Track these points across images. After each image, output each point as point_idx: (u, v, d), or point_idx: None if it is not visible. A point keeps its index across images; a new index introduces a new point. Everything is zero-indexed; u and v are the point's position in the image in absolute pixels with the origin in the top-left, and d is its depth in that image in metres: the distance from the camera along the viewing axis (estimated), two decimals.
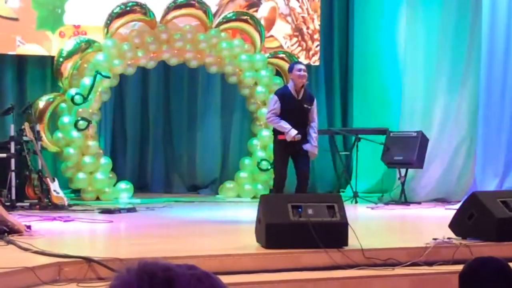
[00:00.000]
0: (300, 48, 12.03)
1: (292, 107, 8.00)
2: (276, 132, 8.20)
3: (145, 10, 10.50)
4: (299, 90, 8.09)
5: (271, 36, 11.84)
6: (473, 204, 6.65)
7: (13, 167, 9.11)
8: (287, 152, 8.07)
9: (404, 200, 10.28)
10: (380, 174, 11.56)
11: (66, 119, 10.24)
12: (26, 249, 5.64)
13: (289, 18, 11.97)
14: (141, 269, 1.40)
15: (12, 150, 9.19)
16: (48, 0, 10.61)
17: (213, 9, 11.19)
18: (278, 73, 11.46)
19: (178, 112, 11.95)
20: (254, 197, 10.67)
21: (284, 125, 7.96)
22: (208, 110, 11.98)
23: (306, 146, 8.08)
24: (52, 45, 10.57)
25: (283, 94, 8.16)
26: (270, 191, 10.13)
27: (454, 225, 6.68)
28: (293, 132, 7.91)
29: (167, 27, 10.67)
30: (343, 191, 11.40)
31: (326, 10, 12.43)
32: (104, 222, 7.92)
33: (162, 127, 11.94)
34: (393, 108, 11.39)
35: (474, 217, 6.54)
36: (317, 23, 12.19)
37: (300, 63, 9.03)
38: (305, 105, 8.10)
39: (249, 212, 7.74)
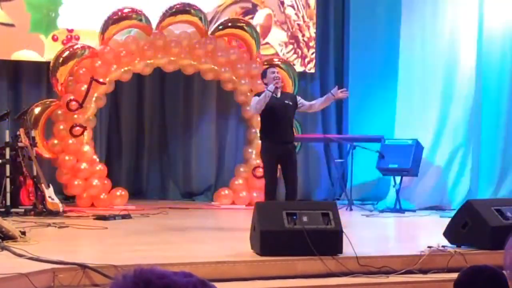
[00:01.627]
0: (295, 55, 12.04)
1: (274, 103, 7.92)
2: (263, 139, 8.17)
3: (141, 17, 10.50)
4: (276, 91, 8.05)
5: (267, 43, 11.85)
6: (467, 212, 6.66)
7: (8, 173, 9.10)
8: (275, 158, 8.04)
9: (399, 207, 10.27)
10: (375, 182, 11.57)
11: (61, 125, 10.24)
12: (20, 255, 5.64)
13: (284, 26, 11.98)
14: (137, 276, 1.40)
15: (7, 156, 9.18)
16: (42, 3, 10.60)
17: (209, 16, 11.20)
18: None
19: (173, 119, 11.95)
20: (249, 204, 10.65)
21: (261, 94, 7.94)
22: (203, 117, 11.98)
23: (331, 93, 8.42)
24: (45, 49, 10.55)
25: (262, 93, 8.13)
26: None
27: (449, 233, 6.69)
28: (271, 87, 7.89)
29: (163, 34, 10.67)
30: (338, 199, 11.42)
31: (321, 17, 12.44)
32: (99, 228, 7.91)
33: (157, 134, 11.94)
34: (388, 116, 11.40)
35: (468, 225, 6.54)
36: (312, 31, 12.20)
37: (272, 66, 9.06)
38: (286, 101, 8.10)
39: (244, 219, 7.74)
